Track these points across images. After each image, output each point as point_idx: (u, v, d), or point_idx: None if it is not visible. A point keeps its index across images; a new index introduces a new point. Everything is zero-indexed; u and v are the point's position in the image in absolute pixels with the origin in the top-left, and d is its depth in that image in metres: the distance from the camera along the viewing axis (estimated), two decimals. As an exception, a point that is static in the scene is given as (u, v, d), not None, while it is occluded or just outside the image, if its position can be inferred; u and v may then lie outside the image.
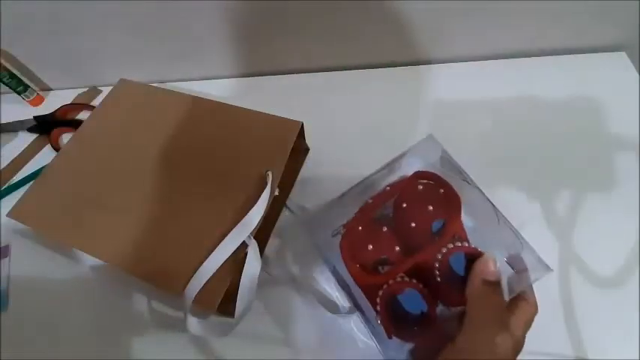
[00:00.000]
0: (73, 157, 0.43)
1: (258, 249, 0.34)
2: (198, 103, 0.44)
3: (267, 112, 0.41)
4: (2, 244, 0.46)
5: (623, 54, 0.48)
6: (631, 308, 0.34)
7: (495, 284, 0.27)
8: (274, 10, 0.46)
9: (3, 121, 0.58)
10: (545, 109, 0.46)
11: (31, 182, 0.44)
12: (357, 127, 0.47)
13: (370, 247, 0.31)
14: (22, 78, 0.58)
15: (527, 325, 0.28)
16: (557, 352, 0.33)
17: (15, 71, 0.57)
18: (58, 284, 0.42)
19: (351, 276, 0.31)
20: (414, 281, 0.29)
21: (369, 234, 0.32)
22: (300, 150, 0.45)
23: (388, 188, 0.33)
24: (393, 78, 0.52)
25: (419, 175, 0.33)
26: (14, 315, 0.41)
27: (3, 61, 0.55)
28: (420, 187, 0.32)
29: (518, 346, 0.27)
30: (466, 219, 0.31)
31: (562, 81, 0.47)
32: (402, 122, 0.47)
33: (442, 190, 0.31)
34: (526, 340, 0.33)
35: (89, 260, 0.42)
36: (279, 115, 0.40)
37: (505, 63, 0.50)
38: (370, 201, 0.33)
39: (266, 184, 0.35)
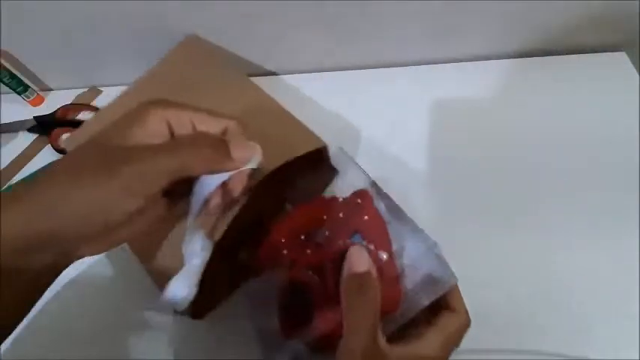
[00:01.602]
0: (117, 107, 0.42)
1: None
2: (248, 88, 0.42)
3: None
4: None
5: (623, 54, 0.48)
6: (631, 308, 0.34)
7: (365, 276, 0.23)
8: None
9: (3, 121, 0.58)
10: (544, 109, 0.46)
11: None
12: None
13: (285, 251, 0.29)
14: (23, 78, 0.58)
15: (452, 339, 0.24)
16: (558, 352, 0.33)
17: (15, 71, 0.57)
18: (59, 284, 0.42)
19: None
20: (310, 273, 0.27)
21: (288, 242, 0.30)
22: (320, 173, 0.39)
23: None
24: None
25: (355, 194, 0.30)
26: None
27: (3, 61, 0.55)
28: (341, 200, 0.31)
29: None
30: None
31: (562, 81, 0.47)
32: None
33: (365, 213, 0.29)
34: (526, 339, 0.33)
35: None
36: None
37: (505, 63, 0.50)
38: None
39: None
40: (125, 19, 0.49)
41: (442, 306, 0.26)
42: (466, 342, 0.31)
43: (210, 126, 0.24)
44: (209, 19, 0.48)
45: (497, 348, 0.32)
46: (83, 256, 0.22)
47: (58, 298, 0.41)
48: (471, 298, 0.34)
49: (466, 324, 0.25)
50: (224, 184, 0.24)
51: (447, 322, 0.25)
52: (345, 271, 0.24)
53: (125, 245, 0.34)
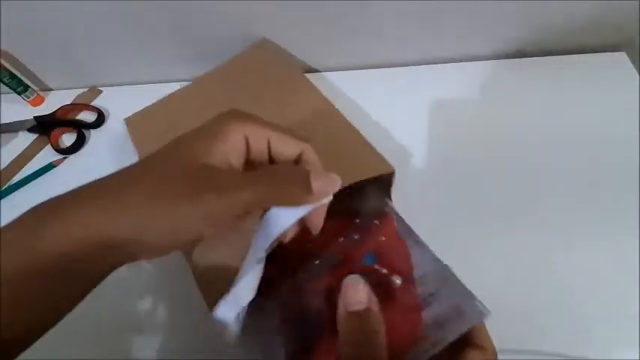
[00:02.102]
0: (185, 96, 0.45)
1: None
2: (317, 100, 0.42)
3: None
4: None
5: (623, 54, 0.48)
6: (631, 308, 0.34)
7: (365, 315, 0.21)
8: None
9: (3, 121, 0.58)
10: (544, 109, 0.46)
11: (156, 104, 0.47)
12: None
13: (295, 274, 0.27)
14: (23, 78, 0.58)
15: None
16: (557, 352, 0.33)
17: (15, 71, 0.57)
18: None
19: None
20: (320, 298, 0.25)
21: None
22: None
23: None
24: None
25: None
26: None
27: (3, 61, 0.55)
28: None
29: None
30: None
31: (562, 81, 0.47)
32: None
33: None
34: (526, 339, 0.33)
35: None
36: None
37: (505, 63, 0.50)
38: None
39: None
40: (125, 19, 0.50)
41: (466, 341, 0.23)
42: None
43: (288, 147, 0.23)
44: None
45: (497, 348, 0.32)
46: (137, 260, 0.22)
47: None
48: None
49: (496, 357, 0.23)
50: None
51: None
52: (340, 309, 0.22)
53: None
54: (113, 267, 0.22)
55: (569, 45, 0.49)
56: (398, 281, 0.24)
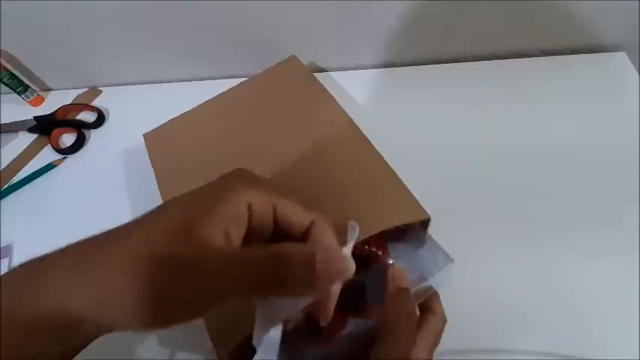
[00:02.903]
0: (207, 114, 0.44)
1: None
2: (348, 129, 0.39)
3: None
4: (3, 244, 0.46)
5: (623, 54, 0.48)
6: (631, 308, 0.34)
7: (407, 292, 0.26)
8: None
9: (3, 121, 0.58)
10: (544, 110, 0.46)
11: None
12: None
13: None
14: (23, 78, 0.58)
15: (437, 340, 0.26)
16: (558, 352, 0.33)
17: (15, 71, 0.57)
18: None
19: None
20: None
21: None
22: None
23: None
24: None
25: None
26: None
27: (3, 61, 0.55)
28: None
29: None
30: None
31: (562, 81, 0.47)
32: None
33: None
34: (525, 340, 0.33)
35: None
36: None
37: (505, 63, 0.50)
38: None
39: None
40: (125, 19, 0.50)
41: (424, 308, 0.27)
42: (465, 342, 0.31)
43: (296, 216, 0.21)
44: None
45: (497, 348, 0.32)
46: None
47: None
48: (469, 298, 0.34)
49: (445, 323, 0.27)
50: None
51: (431, 326, 0.26)
52: (390, 287, 0.26)
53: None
54: (89, 337, 0.20)
55: (569, 45, 0.49)
56: (390, 261, 0.29)
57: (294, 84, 0.44)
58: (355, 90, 0.51)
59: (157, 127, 0.44)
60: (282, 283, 0.18)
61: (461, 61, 0.51)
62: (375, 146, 0.37)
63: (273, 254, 0.19)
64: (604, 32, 0.48)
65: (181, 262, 0.18)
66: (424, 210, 0.32)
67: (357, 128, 0.39)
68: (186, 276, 0.17)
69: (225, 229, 0.19)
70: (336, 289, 0.21)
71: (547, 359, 0.33)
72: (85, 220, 0.41)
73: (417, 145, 0.44)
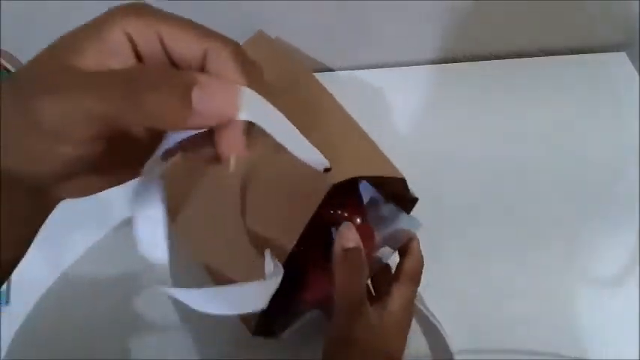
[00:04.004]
0: None
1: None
2: (320, 91, 0.38)
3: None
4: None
5: (623, 54, 0.48)
6: (631, 308, 0.34)
7: (355, 251, 0.26)
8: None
9: (3, 121, 0.58)
10: (544, 110, 0.46)
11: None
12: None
13: None
14: (22, 78, 0.58)
15: (413, 284, 0.28)
16: (558, 352, 0.33)
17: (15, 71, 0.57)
18: (59, 283, 0.42)
19: None
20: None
21: None
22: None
23: None
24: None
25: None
26: (15, 313, 0.41)
27: (3, 61, 0.55)
28: None
29: (401, 323, 0.27)
30: None
31: (562, 81, 0.47)
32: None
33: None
34: (526, 340, 0.33)
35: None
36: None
37: (505, 63, 0.50)
38: None
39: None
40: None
41: (401, 252, 0.30)
42: (465, 342, 0.31)
43: (186, 46, 0.17)
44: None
45: (497, 348, 0.32)
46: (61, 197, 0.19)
47: (58, 298, 0.41)
48: (469, 298, 0.34)
49: (423, 266, 0.29)
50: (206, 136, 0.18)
51: (408, 270, 0.28)
52: (337, 247, 0.26)
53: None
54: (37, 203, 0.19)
55: (570, 45, 0.49)
56: (358, 220, 0.30)
57: (269, 59, 0.40)
58: (355, 90, 0.51)
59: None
60: (146, 99, 0.15)
61: (461, 61, 0.51)
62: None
63: (140, 69, 0.17)
64: (604, 32, 0.48)
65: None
66: (397, 170, 0.33)
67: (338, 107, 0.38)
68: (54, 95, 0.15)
69: (102, 63, 0.16)
70: (239, 124, 0.17)
71: (547, 359, 0.33)
72: (83, 219, 0.41)
73: (416, 145, 0.44)
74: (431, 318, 0.33)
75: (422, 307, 0.33)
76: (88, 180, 0.19)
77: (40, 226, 0.20)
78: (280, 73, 0.39)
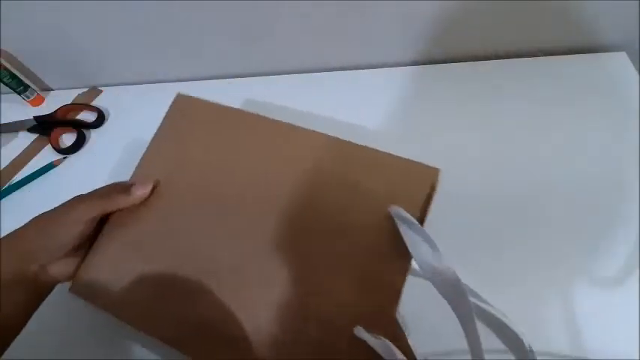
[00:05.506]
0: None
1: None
2: (296, 134, 0.35)
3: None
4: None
5: (624, 54, 0.48)
6: (631, 308, 0.34)
7: None
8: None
9: (3, 121, 0.58)
10: (544, 110, 0.46)
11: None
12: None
13: None
14: (23, 78, 0.58)
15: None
16: (558, 352, 0.33)
17: (15, 71, 0.57)
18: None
19: None
20: None
21: None
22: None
23: None
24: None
25: None
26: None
27: (3, 61, 0.55)
28: None
29: None
30: None
31: (562, 81, 0.47)
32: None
33: None
34: (526, 340, 0.33)
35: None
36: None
37: (505, 63, 0.50)
38: None
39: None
40: (125, 18, 0.50)
41: None
42: (463, 341, 0.31)
43: (121, 204, 0.35)
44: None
45: (496, 348, 0.32)
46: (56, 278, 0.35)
47: (57, 297, 0.41)
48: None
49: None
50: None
51: None
52: None
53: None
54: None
55: (570, 45, 0.49)
56: None
57: (209, 120, 0.38)
58: (354, 90, 0.51)
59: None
60: (110, 196, 0.34)
61: (460, 61, 0.51)
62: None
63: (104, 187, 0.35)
64: (604, 32, 0.48)
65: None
66: (430, 168, 0.31)
67: (300, 131, 0.35)
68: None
69: (70, 242, 0.33)
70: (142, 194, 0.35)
71: (547, 359, 0.33)
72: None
73: (415, 144, 0.44)
74: (500, 316, 0.31)
75: (486, 306, 0.31)
76: (73, 261, 0.36)
77: (36, 309, 0.35)
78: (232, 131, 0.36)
